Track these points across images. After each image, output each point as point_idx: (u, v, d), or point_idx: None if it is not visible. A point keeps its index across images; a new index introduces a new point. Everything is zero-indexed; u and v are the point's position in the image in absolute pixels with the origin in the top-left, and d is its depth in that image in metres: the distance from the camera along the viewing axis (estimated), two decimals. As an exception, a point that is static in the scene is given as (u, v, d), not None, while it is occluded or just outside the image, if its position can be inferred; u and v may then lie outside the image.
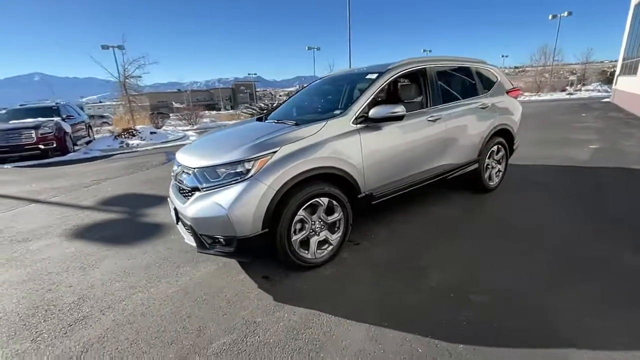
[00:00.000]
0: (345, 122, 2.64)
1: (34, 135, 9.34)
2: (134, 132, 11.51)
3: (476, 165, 3.75)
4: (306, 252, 2.50)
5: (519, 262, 2.51)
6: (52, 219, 3.99)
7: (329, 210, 2.57)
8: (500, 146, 4.00)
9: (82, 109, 13.56)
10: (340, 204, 2.59)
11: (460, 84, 3.75)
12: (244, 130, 3.17)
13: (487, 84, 3.95)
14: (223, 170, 2.28)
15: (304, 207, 2.41)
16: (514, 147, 4.28)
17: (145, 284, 2.49)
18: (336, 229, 2.65)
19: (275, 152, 2.30)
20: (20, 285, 2.57)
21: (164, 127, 14.23)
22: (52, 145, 9.59)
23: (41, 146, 9.41)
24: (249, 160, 2.25)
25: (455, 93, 3.58)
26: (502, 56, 61.54)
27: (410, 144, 3.01)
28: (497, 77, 4.05)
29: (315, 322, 1.98)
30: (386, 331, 1.87)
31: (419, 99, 3.21)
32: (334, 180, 2.55)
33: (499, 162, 4.10)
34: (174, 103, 55.73)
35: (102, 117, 24.64)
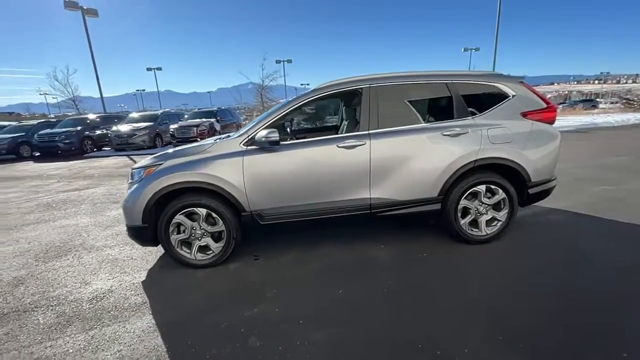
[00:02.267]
0: (235, 143, 2.83)
1: (195, 131, 13.10)
2: None
3: (437, 206, 2.97)
4: (188, 252, 2.90)
5: None
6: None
7: (213, 221, 2.86)
8: (496, 187, 2.96)
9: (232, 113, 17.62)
10: (221, 217, 2.83)
11: (424, 104, 3.05)
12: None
13: (480, 103, 3.02)
14: (137, 172, 2.98)
15: (183, 213, 2.81)
16: (535, 192, 3.04)
17: (107, 245, 3.53)
18: (221, 239, 2.90)
19: (160, 164, 2.82)
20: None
21: None
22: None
23: (198, 139, 13.07)
24: (144, 168, 2.88)
25: (410, 115, 2.97)
26: None
27: (310, 169, 2.82)
28: (508, 95, 3.00)
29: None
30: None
31: (333, 122, 2.93)
32: (215, 194, 2.81)
33: (494, 209, 3.04)
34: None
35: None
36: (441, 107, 3.03)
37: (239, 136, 2.88)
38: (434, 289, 2.45)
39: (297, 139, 3.16)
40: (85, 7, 17.36)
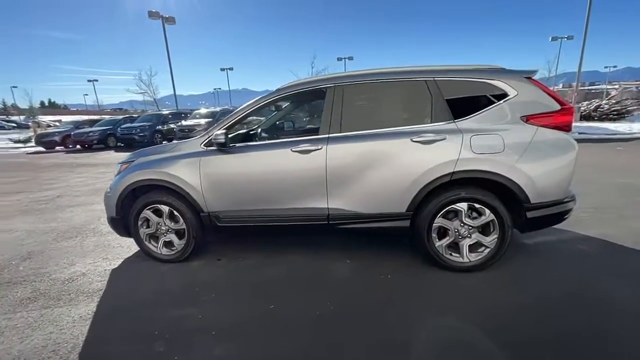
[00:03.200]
0: (197, 143, 2.85)
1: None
2: None
3: (406, 224, 2.58)
4: (155, 246, 3.04)
5: None
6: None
7: (176, 218, 2.94)
8: (481, 206, 2.45)
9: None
10: (181, 215, 2.89)
11: (397, 106, 2.65)
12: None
13: (470, 105, 2.51)
14: (119, 167, 3.20)
15: (149, 208, 2.94)
16: (536, 216, 2.44)
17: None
18: (184, 236, 2.97)
19: (132, 161, 3.00)
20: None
21: None
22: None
23: None
24: (122, 163, 3.09)
25: (378, 118, 2.63)
26: None
27: (264, 174, 2.69)
28: (507, 94, 2.44)
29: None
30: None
31: (292, 125, 2.74)
32: (176, 193, 2.87)
33: (482, 232, 2.52)
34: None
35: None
36: (417, 108, 2.60)
37: (201, 137, 2.89)
38: (375, 318, 2.13)
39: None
40: (165, 16, 19.67)
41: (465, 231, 2.52)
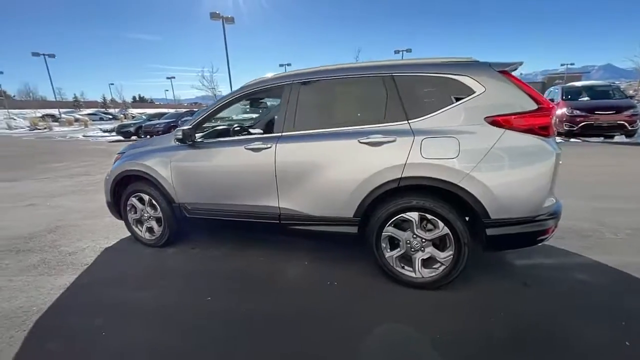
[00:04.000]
0: (171, 137, 3.05)
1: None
2: None
3: (354, 230, 2.42)
4: (140, 230, 3.36)
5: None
6: None
7: (154, 207, 3.20)
8: (434, 218, 2.18)
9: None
10: (158, 205, 3.14)
11: (353, 104, 2.46)
12: None
13: (432, 103, 2.22)
14: (115, 157, 3.59)
15: (134, 196, 3.26)
16: (497, 234, 2.09)
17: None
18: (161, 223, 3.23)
19: (123, 152, 3.33)
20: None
21: None
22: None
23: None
24: (118, 154, 3.46)
25: (333, 117, 2.49)
26: None
27: (220, 170, 2.78)
28: (473, 90, 2.12)
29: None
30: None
31: (250, 122, 2.73)
32: (153, 184, 3.12)
33: (438, 247, 2.25)
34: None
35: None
36: (372, 107, 2.39)
37: (175, 132, 3.08)
38: (297, 328, 2.06)
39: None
40: (225, 16, 21.06)
41: (417, 244, 2.28)
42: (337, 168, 2.38)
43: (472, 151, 2.06)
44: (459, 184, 2.07)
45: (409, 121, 2.23)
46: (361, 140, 2.29)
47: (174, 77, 66.96)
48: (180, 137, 2.79)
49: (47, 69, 42.72)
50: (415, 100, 2.26)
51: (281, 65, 44.52)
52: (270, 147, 2.55)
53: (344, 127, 2.41)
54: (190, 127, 2.84)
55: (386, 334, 1.95)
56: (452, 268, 2.22)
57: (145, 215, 3.27)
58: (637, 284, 2.35)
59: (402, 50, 32.57)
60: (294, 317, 2.14)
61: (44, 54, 41.99)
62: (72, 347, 1.97)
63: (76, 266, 2.99)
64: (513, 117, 2.02)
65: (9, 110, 39.71)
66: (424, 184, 2.16)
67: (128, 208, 3.33)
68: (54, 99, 55.98)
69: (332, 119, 2.51)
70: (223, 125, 3.97)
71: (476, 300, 2.21)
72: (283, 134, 2.56)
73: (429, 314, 2.10)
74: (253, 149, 2.61)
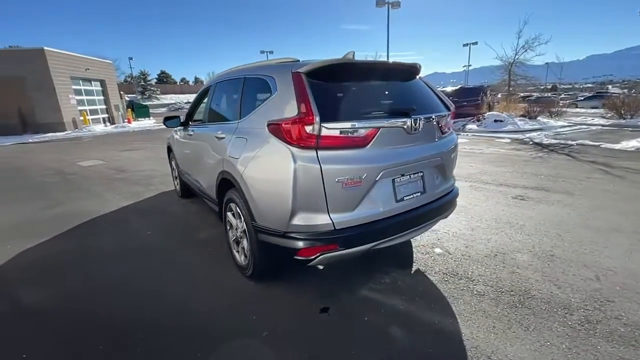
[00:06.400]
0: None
1: None
2: (480, 117, 11.80)
3: (217, 209, 2.84)
4: (176, 185, 4.93)
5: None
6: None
7: (176, 169, 4.64)
8: (237, 208, 2.35)
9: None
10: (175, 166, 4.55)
11: (227, 101, 2.74)
12: None
13: (253, 103, 2.31)
14: None
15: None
16: (265, 241, 2.06)
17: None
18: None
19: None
20: None
21: (539, 118, 12.04)
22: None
23: None
24: None
25: (222, 112, 2.91)
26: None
27: (186, 149, 3.71)
28: (272, 92, 2.09)
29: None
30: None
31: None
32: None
33: (244, 234, 2.39)
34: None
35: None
36: (233, 106, 2.65)
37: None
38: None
39: None
40: (391, 2, 21.14)
41: (239, 232, 2.50)
42: (207, 157, 2.88)
43: (248, 154, 2.09)
44: (240, 184, 2.17)
45: (238, 120, 2.42)
46: (216, 136, 2.68)
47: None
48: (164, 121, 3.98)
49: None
50: (248, 100, 2.40)
51: (465, 45, 39.83)
52: (191, 133, 3.33)
53: (218, 122, 2.84)
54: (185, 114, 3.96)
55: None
56: (251, 263, 2.33)
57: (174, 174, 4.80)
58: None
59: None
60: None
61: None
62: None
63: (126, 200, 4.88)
64: (276, 123, 1.89)
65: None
66: (227, 178, 2.36)
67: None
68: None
69: (221, 115, 2.96)
70: None
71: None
72: (195, 122, 3.27)
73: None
74: (189, 135, 3.47)
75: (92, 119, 18.90)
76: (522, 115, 12.19)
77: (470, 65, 48.80)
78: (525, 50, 14.80)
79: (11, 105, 15.82)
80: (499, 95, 14.75)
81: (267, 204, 2.00)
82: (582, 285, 2.30)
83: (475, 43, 39.33)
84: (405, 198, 2.10)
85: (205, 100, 3.36)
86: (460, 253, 2.81)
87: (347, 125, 1.83)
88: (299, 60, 2.20)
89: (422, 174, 2.20)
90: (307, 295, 2.31)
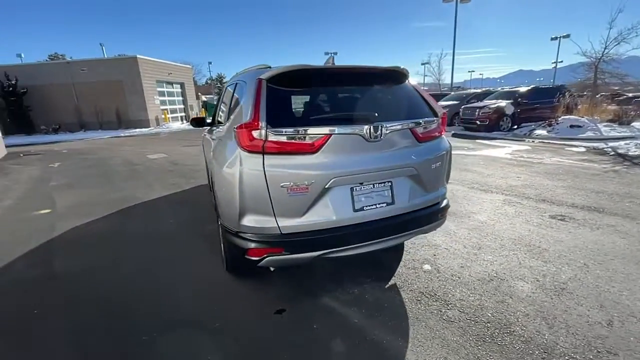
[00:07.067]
0: (210, 122, 4.67)
1: (477, 113, 11.78)
2: (553, 121, 10.20)
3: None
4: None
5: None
6: None
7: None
8: (218, 207, 2.54)
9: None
10: (205, 163, 5.00)
11: (224, 105, 2.92)
12: None
13: (235, 107, 2.46)
14: None
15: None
16: (228, 239, 2.17)
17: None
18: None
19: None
20: None
21: (634, 123, 9.82)
22: None
23: (477, 123, 11.75)
24: None
25: (222, 115, 3.12)
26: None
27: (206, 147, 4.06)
28: (245, 97, 2.20)
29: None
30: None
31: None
32: None
33: (222, 232, 2.56)
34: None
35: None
36: (229, 109, 2.81)
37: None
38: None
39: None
40: (460, -4, 19.64)
41: (221, 228, 2.68)
42: (207, 155, 3.13)
43: (217, 156, 2.24)
44: (212, 183, 2.33)
45: (226, 123, 2.58)
46: (212, 137, 2.91)
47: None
48: (193, 122, 4.37)
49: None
50: (233, 104, 2.55)
51: (554, 39, 34.81)
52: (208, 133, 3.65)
53: (219, 125, 3.05)
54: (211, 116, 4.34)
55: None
56: (224, 257, 2.49)
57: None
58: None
59: None
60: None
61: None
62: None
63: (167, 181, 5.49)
64: (236, 128, 1.98)
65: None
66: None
67: (204, 163, 5.46)
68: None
69: (220, 117, 3.17)
70: None
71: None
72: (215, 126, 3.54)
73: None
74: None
75: (171, 117, 21.58)
76: (611, 120, 10.23)
77: (562, 62, 42.51)
78: (618, 43, 12.35)
79: (111, 105, 18.97)
80: (584, 96, 12.52)
81: (224, 204, 2.12)
82: (583, 329, 1.92)
83: (567, 36, 34.23)
84: (365, 208, 2.01)
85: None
86: (450, 273, 2.56)
87: (294, 131, 1.84)
88: (270, 67, 2.27)
89: (390, 183, 2.08)
90: (272, 294, 2.37)
